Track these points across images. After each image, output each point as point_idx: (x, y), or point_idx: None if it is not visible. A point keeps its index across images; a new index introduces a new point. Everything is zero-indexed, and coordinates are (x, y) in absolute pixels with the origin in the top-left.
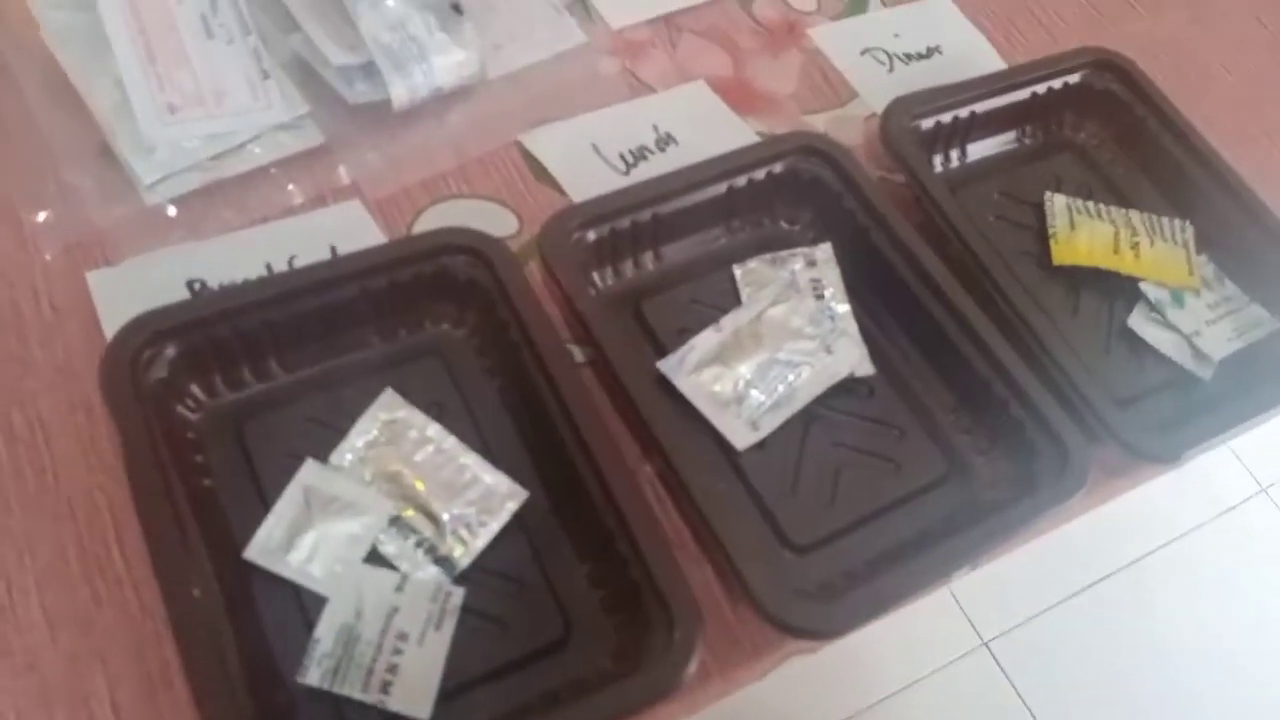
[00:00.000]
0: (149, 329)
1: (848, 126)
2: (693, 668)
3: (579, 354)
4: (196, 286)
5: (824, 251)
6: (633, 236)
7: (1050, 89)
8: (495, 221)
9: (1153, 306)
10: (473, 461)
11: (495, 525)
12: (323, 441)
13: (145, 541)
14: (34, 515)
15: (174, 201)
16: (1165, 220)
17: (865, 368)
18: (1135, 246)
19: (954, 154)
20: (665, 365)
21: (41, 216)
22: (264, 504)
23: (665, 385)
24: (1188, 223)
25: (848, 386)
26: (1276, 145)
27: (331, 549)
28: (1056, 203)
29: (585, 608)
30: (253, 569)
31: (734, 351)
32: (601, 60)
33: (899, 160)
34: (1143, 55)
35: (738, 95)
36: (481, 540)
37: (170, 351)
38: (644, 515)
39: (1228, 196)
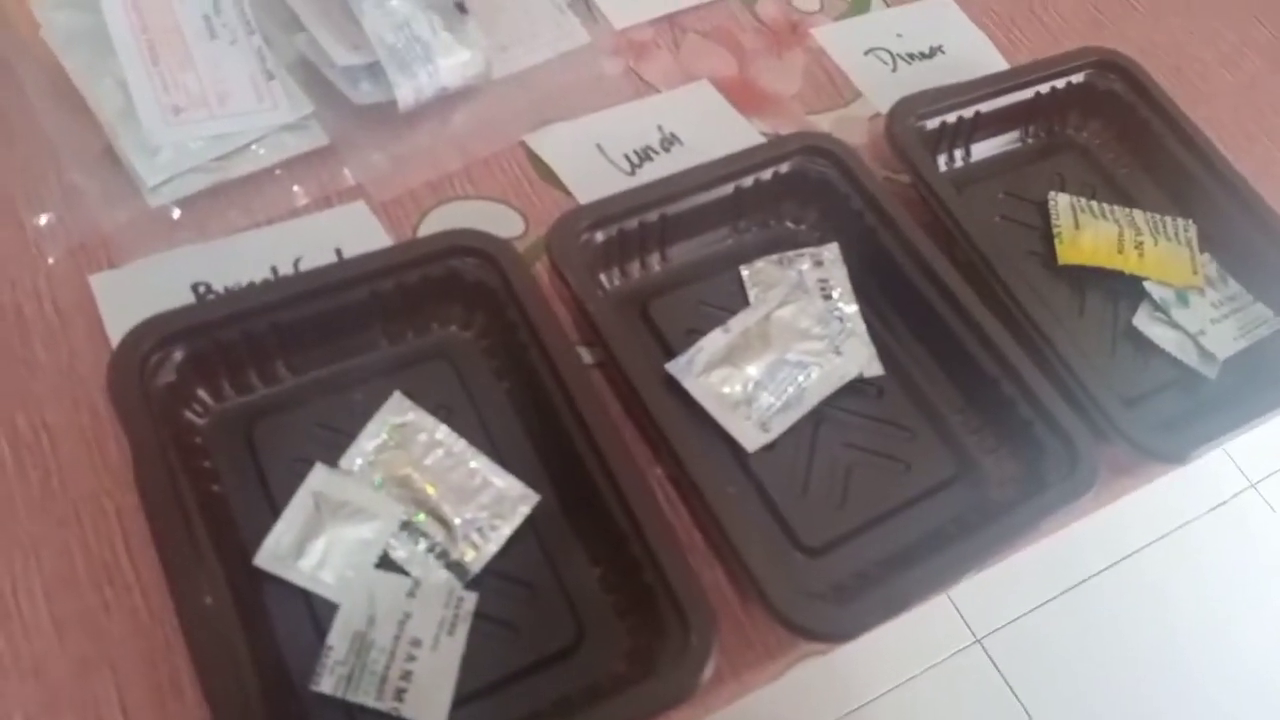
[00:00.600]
0: (155, 333)
1: (852, 126)
2: (709, 672)
3: (587, 356)
4: (201, 289)
5: (831, 251)
6: (640, 237)
7: (1054, 89)
8: (501, 222)
9: (1157, 306)
10: (483, 465)
11: (507, 529)
12: (331, 445)
13: (156, 548)
14: (40, 520)
15: (178, 203)
16: (1168, 219)
17: (874, 368)
18: (1139, 246)
19: (958, 154)
20: (674, 367)
21: (44, 219)
22: (273, 509)
23: (674, 387)
24: (1191, 222)
25: (856, 387)
26: (1277, 145)
27: (342, 555)
28: (1060, 202)
29: (598, 611)
30: (263, 575)
31: (742, 352)
32: (605, 60)
33: (905, 160)
34: (1143, 56)
35: (742, 95)
36: (493, 545)
37: (177, 355)
38: (657, 518)
39: (1230, 196)
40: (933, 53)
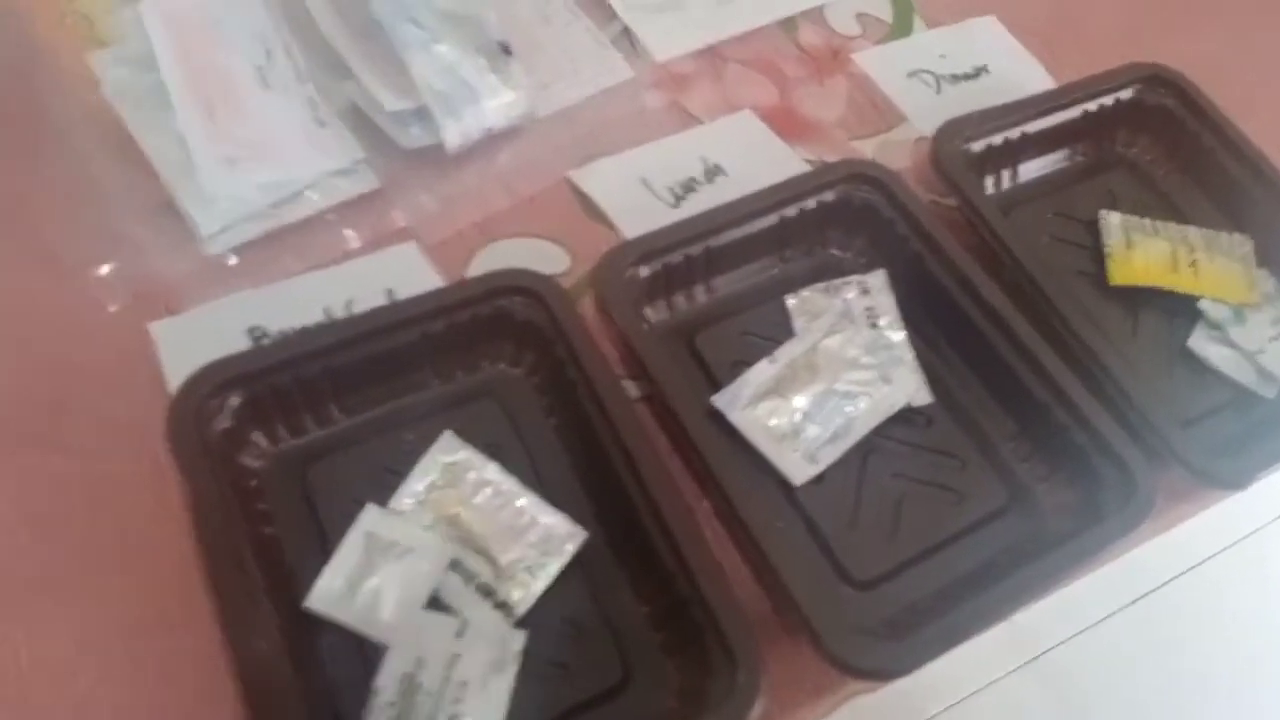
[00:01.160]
0: (212, 380)
1: (896, 151)
2: (756, 712)
3: (633, 389)
4: (257, 334)
5: (878, 279)
6: (685, 270)
7: (1102, 106)
8: (548, 259)
9: (1213, 325)
10: (530, 503)
11: (554, 567)
12: (383, 486)
13: (211, 595)
14: (108, 569)
15: (234, 250)
16: (1223, 235)
17: (923, 397)
18: (1194, 264)
19: (1005, 175)
20: (720, 400)
21: (105, 270)
22: (325, 551)
23: (720, 419)
24: (1246, 237)
25: (905, 416)
26: None
27: (392, 595)
28: (1111, 221)
29: (645, 650)
30: (314, 618)
31: (789, 384)
32: (647, 94)
33: (951, 184)
34: (1186, 69)
35: (784, 123)
36: (540, 583)
37: (234, 401)
38: (704, 554)
39: None
40: (977, 73)
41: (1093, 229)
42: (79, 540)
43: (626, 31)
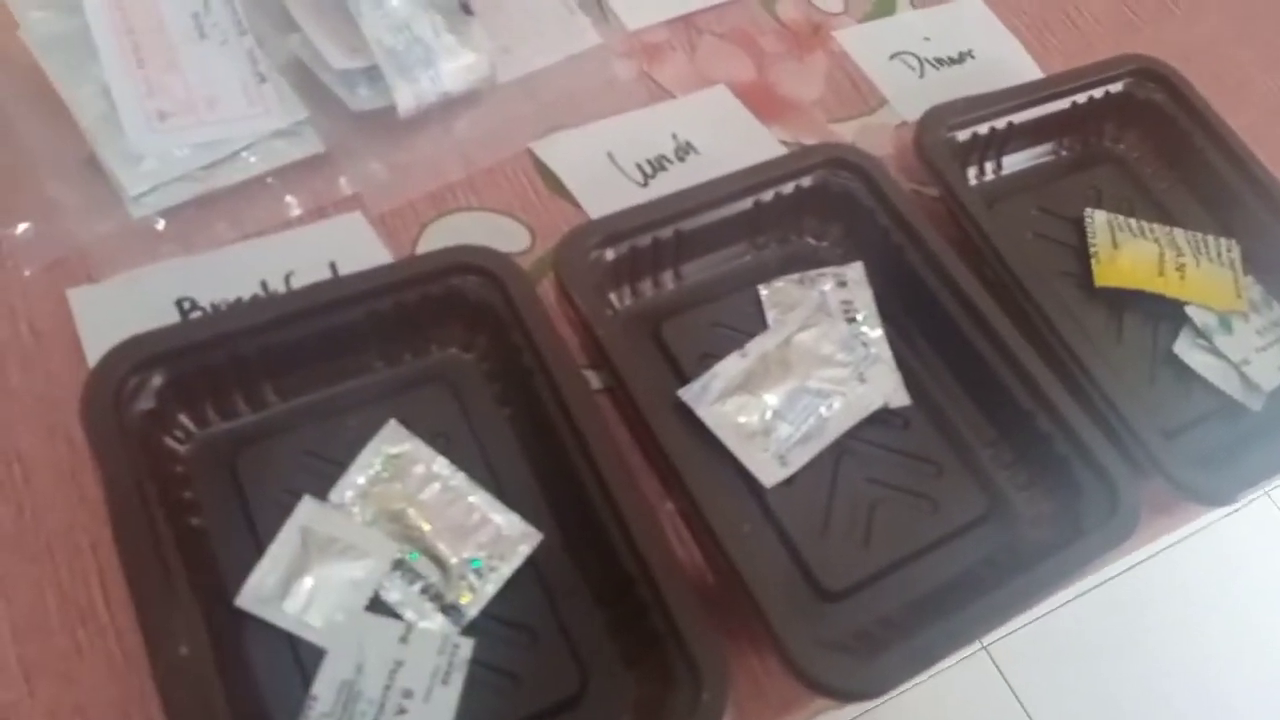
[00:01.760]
0: (134, 356)
1: (877, 136)
2: None
3: (595, 380)
4: (186, 305)
5: (855, 271)
6: (653, 254)
7: (1091, 98)
8: (506, 236)
9: (1199, 332)
10: (482, 500)
11: (506, 570)
12: (321, 476)
13: (129, 593)
14: (11, 556)
15: (163, 214)
16: (1210, 239)
17: (901, 398)
18: (1181, 267)
19: (989, 166)
20: (687, 394)
21: (20, 229)
22: (257, 545)
23: (687, 414)
24: (1234, 242)
25: (880, 417)
26: None
27: (331, 596)
28: (1098, 220)
29: (603, 660)
30: (244, 617)
31: (761, 379)
32: (617, 63)
33: (935, 174)
34: (1180, 60)
35: (761, 101)
36: (491, 586)
37: (157, 380)
38: (667, 561)
39: (1276, 216)
40: (962, 58)
41: (1077, 227)
42: None
43: None
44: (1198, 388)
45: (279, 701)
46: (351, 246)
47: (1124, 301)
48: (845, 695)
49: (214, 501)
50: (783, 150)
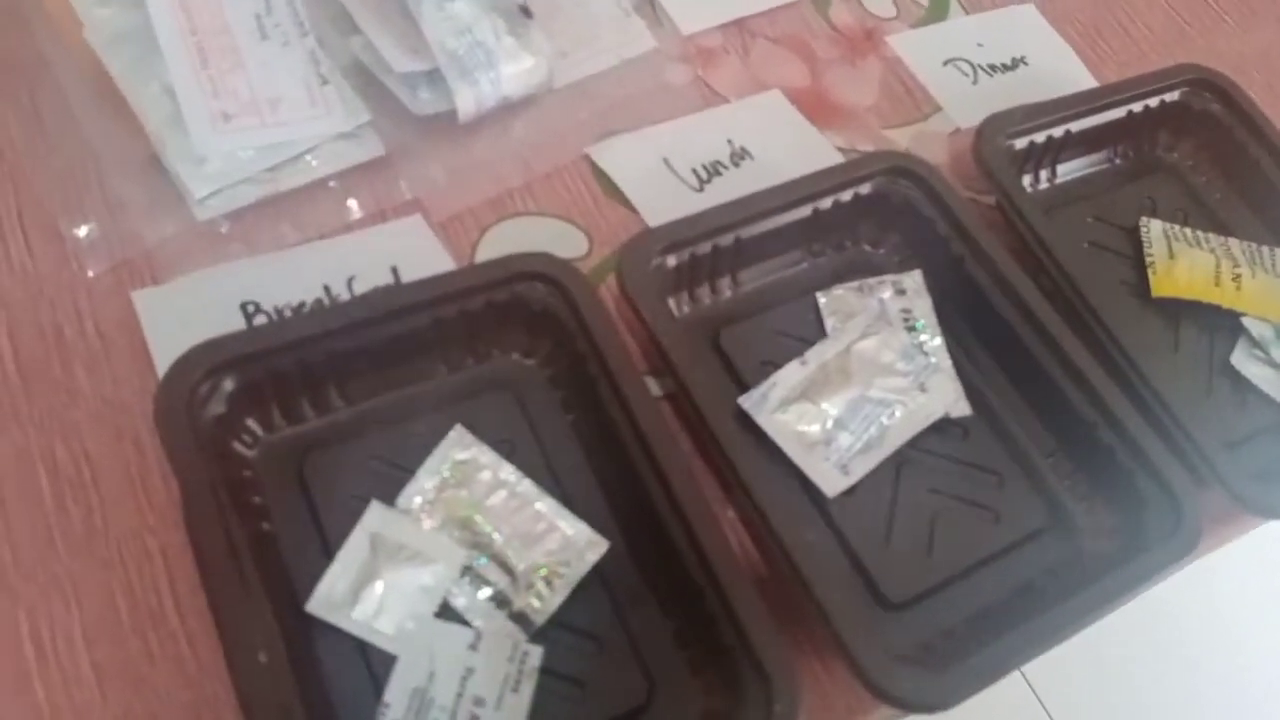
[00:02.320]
0: (205, 362)
1: (931, 143)
2: None
3: (655, 387)
4: (250, 308)
5: (914, 279)
6: (713, 261)
7: (1147, 107)
8: (565, 242)
9: (1255, 343)
10: (549, 507)
11: (574, 578)
12: (388, 481)
13: (206, 597)
14: (81, 559)
15: (227, 216)
16: (1265, 249)
17: (962, 408)
18: (1237, 278)
19: (1043, 174)
20: (747, 402)
21: (84, 230)
22: (326, 550)
23: (747, 422)
24: None
25: (940, 427)
26: None
27: (401, 602)
28: (1154, 229)
29: (670, 668)
30: (315, 623)
31: (821, 388)
32: (672, 68)
33: (994, 182)
34: (1233, 70)
35: (815, 106)
36: (560, 594)
37: (228, 385)
38: (735, 571)
39: None
40: (1015, 64)
41: (1131, 236)
42: (44, 527)
43: None
44: (1254, 399)
45: (351, 708)
46: (413, 250)
47: (1180, 312)
48: (916, 707)
49: (282, 507)
50: (838, 156)
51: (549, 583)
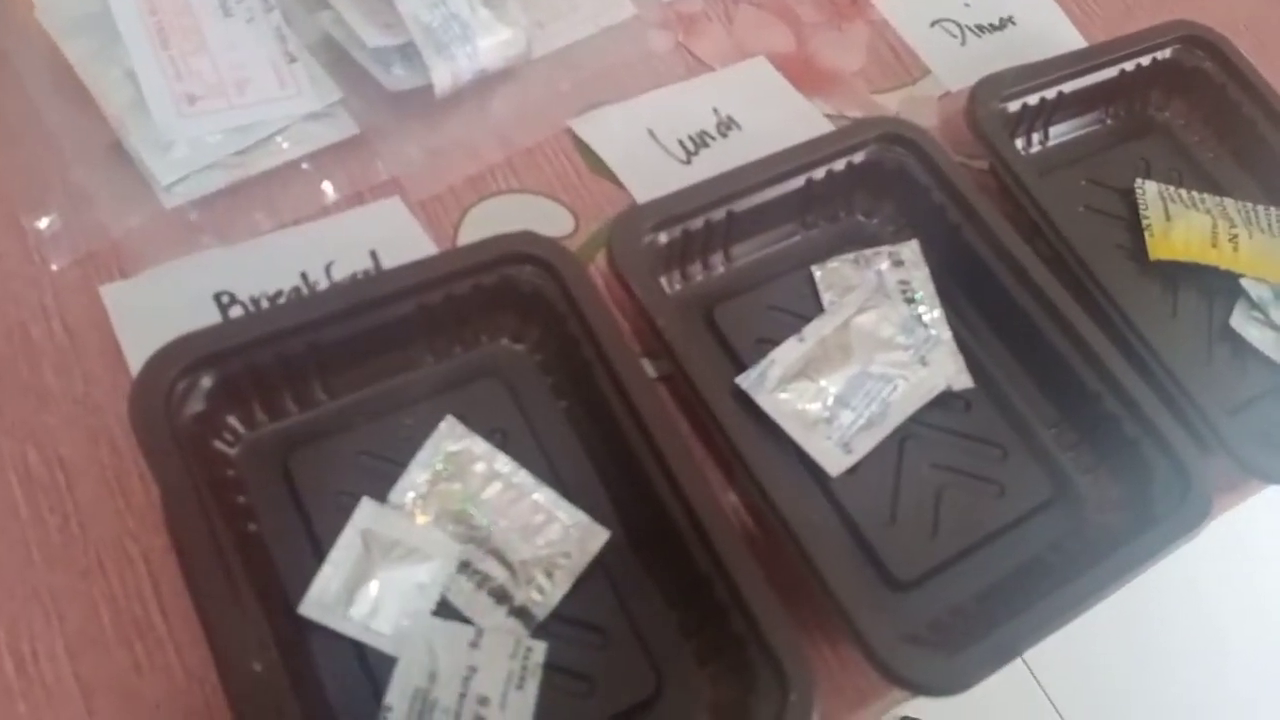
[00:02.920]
0: (181, 359)
1: (921, 107)
2: None
3: (650, 369)
4: (225, 300)
5: (911, 250)
6: (705, 236)
7: (1139, 66)
8: (549, 219)
9: (1254, 304)
10: (546, 498)
11: (575, 569)
12: (378, 476)
13: (194, 605)
14: (60, 569)
15: (195, 204)
16: (1260, 209)
17: (964, 381)
18: (1234, 239)
19: (1035, 137)
20: (745, 381)
21: (45, 223)
22: (316, 550)
23: (745, 402)
24: None
25: (942, 400)
26: None
27: (397, 601)
28: (1149, 191)
29: (677, 659)
30: (308, 625)
31: (820, 364)
32: (653, 35)
33: (989, 146)
34: (1223, 28)
35: (801, 73)
36: (561, 587)
37: (206, 382)
38: (743, 558)
39: None
40: (1003, 24)
41: (1126, 198)
42: (19, 538)
43: None
44: (1254, 362)
45: (350, 712)
46: (392, 233)
47: (1178, 275)
48: (930, 690)
49: (268, 506)
50: (827, 124)
51: (549, 575)
